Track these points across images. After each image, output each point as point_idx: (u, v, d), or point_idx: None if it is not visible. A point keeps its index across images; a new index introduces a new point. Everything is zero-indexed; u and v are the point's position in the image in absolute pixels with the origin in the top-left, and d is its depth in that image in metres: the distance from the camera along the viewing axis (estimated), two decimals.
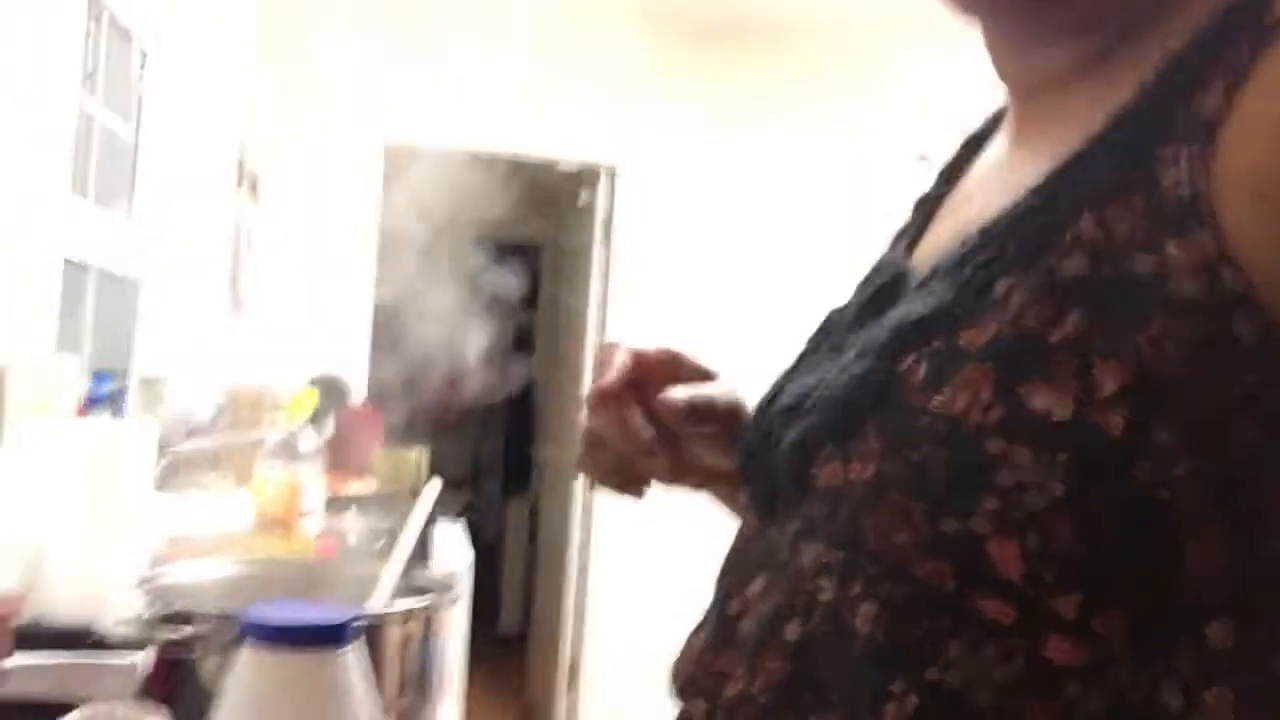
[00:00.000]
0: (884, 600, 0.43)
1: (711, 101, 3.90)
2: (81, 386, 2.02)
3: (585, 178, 4.11)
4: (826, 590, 0.45)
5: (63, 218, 1.99)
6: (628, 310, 3.87)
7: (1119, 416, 0.38)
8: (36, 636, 1.09)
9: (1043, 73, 0.53)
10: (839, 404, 0.48)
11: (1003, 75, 0.56)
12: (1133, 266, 0.40)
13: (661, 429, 0.64)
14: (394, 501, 2.64)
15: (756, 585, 0.51)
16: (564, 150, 3.94)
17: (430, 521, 2.01)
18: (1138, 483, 0.38)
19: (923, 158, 3.11)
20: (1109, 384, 0.39)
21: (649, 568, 3.66)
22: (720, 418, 0.64)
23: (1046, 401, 0.39)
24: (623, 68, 3.85)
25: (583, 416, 0.65)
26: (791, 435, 0.51)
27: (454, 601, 0.94)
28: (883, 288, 0.54)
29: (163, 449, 1.92)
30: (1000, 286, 0.44)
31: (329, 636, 0.52)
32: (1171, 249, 0.39)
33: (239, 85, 3.26)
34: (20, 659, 0.99)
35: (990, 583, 0.40)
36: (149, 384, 2.43)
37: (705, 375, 0.69)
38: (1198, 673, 0.39)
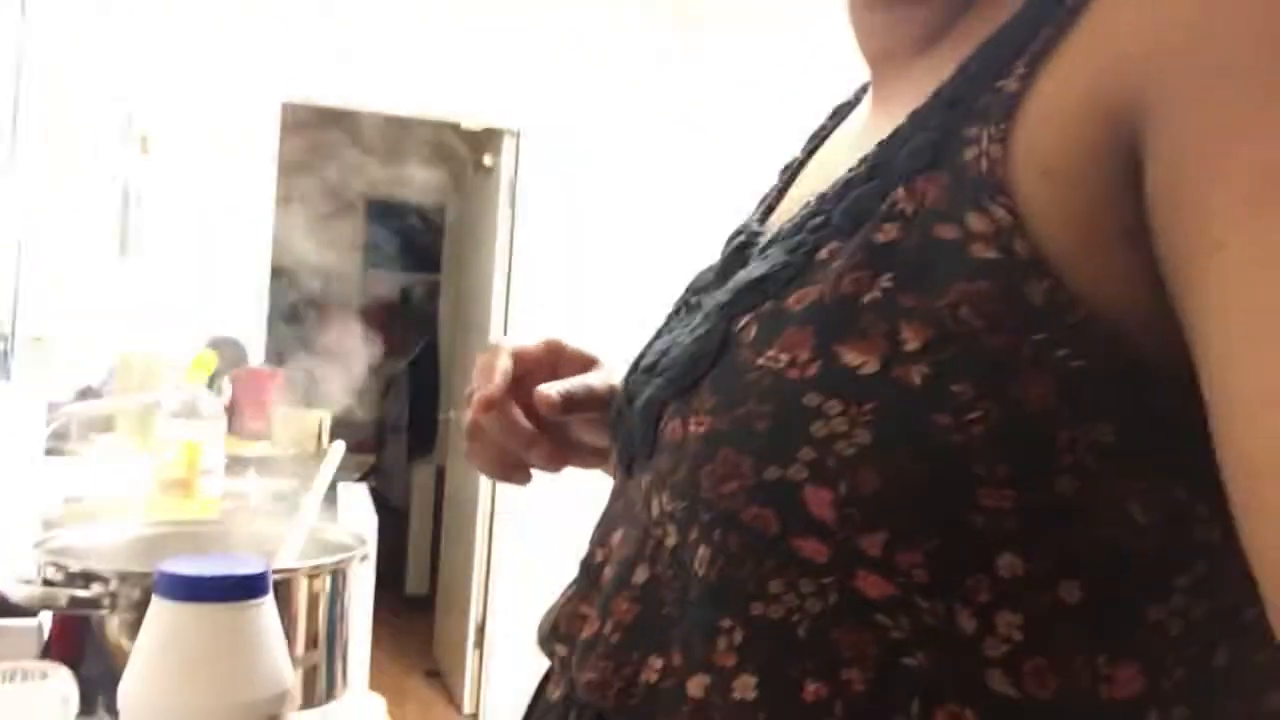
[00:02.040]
0: (716, 545, 0.47)
1: (613, 61, 3.89)
2: None
3: (489, 140, 4.06)
4: (671, 536, 0.49)
5: None
6: (533, 274, 3.86)
7: (920, 371, 0.42)
8: None
9: (888, 43, 0.57)
10: (681, 363, 0.52)
11: (859, 45, 0.60)
12: (937, 234, 0.44)
13: (541, 421, 0.67)
14: (296, 464, 2.60)
15: (617, 536, 0.55)
16: (467, 111, 3.89)
17: (334, 484, 1.99)
18: (935, 430, 0.42)
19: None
20: (912, 341, 0.43)
21: (554, 530, 3.68)
22: (600, 403, 0.66)
23: (857, 358, 0.43)
24: (525, 27, 3.81)
25: (466, 415, 0.67)
26: (646, 394, 0.55)
27: (362, 559, 0.94)
28: (735, 251, 0.58)
29: (52, 411, 1.87)
30: (824, 251, 0.48)
31: (244, 588, 0.53)
32: (971, 220, 0.43)
33: (128, 37, 3.13)
34: None
35: (806, 525, 0.44)
36: (36, 344, 2.35)
37: (588, 363, 0.72)
38: (989, 600, 0.43)
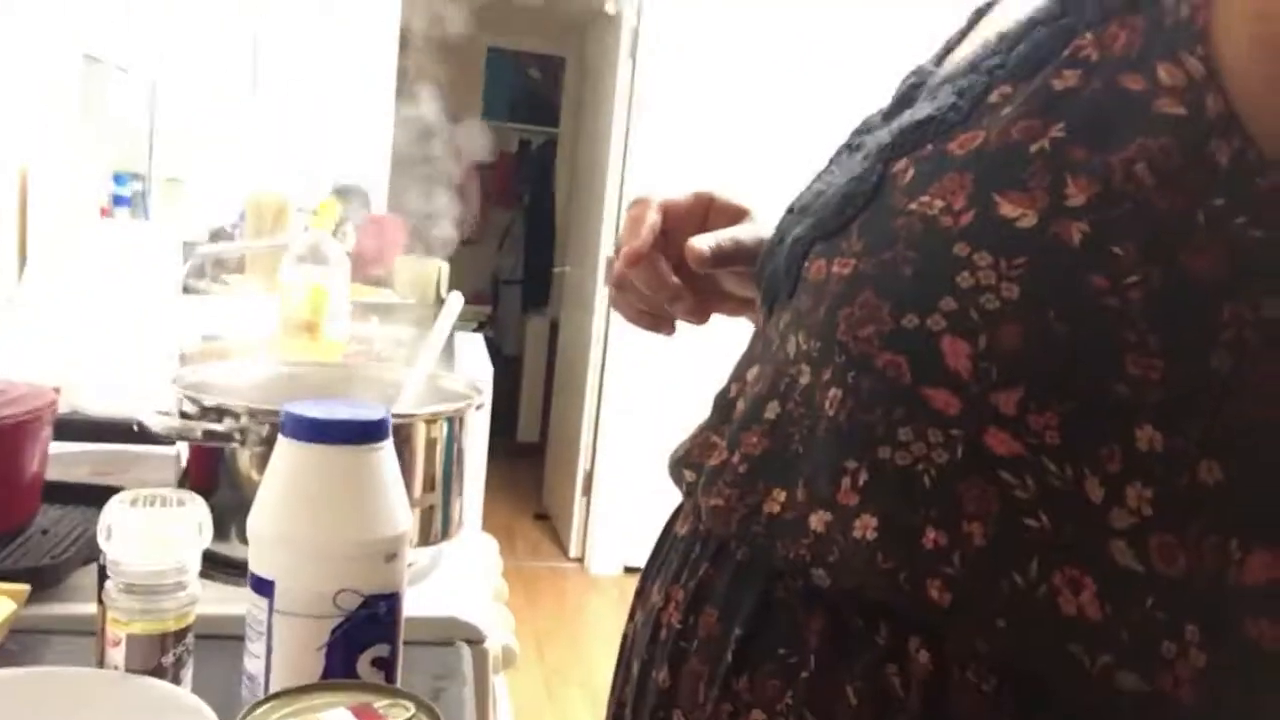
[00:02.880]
0: (848, 387, 0.46)
1: None
2: (104, 189, 2.02)
3: None
4: (804, 375, 0.49)
5: (80, 14, 1.94)
6: (654, 125, 3.79)
7: (1080, 228, 0.40)
8: (75, 427, 1.14)
9: None
10: (833, 203, 0.51)
11: None
12: (1121, 84, 0.41)
13: (688, 274, 0.66)
14: (416, 311, 2.67)
15: (752, 372, 0.56)
16: None
17: (452, 333, 2.03)
18: (1089, 291, 0.40)
19: None
20: (1076, 197, 0.41)
21: (664, 381, 3.72)
22: (749, 255, 0.65)
23: (1014, 209, 0.42)
24: None
25: (615, 266, 0.66)
26: (795, 233, 0.54)
27: (477, 407, 0.97)
28: (906, 90, 0.55)
29: (187, 251, 1.94)
30: (995, 94, 0.45)
31: (366, 432, 0.55)
32: (1161, 70, 0.40)
33: None
34: (63, 447, 1.03)
35: (940, 376, 0.43)
36: (171, 186, 2.43)
37: (738, 214, 0.70)
38: (1120, 470, 0.42)
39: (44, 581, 0.78)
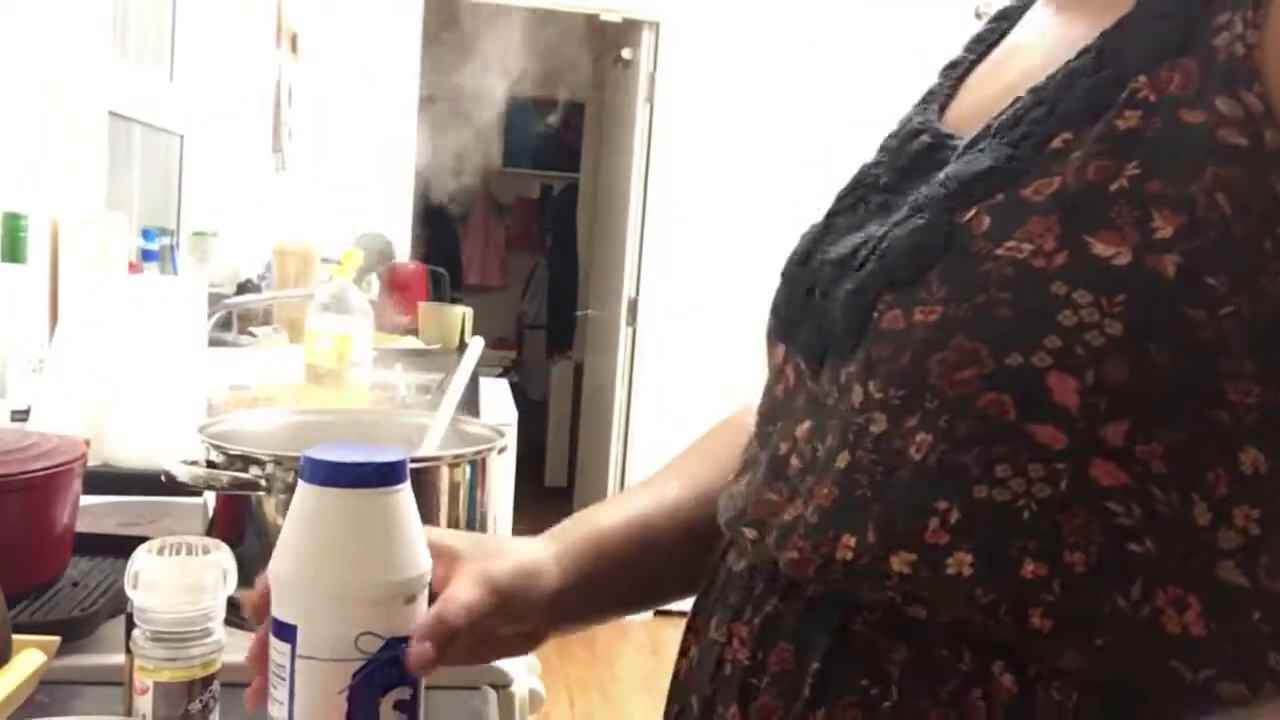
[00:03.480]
0: (941, 430, 0.47)
1: None
2: (132, 243, 2.06)
3: (628, 33, 4.00)
4: (878, 424, 0.49)
5: (106, 72, 1.99)
6: (671, 169, 3.82)
7: (1173, 261, 0.42)
8: (105, 479, 1.15)
9: None
10: (900, 254, 0.51)
11: None
12: (1183, 119, 0.44)
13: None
14: (439, 357, 2.69)
15: (804, 427, 0.55)
16: (606, 2, 3.83)
17: (476, 378, 2.05)
18: (1188, 323, 0.42)
19: (979, 15, 2.99)
20: (1164, 229, 0.43)
21: (689, 424, 3.72)
22: (503, 597, 0.60)
23: (1108, 248, 0.43)
24: None
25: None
26: (848, 286, 0.54)
27: (501, 450, 0.97)
28: (925, 149, 0.57)
29: (214, 303, 1.97)
30: (1057, 142, 0.47)
31: (383, 475, 0.55)
32: (1220, 104, 0.43)
33: None
34: (93, 499, 1.04)
35: (1047, 412, 0.44)
36: (198, 239, 2.47)
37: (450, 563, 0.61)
38: (1229, 494, 0.44)
39: (74, 633, 0.78)
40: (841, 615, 0.50)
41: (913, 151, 0.58)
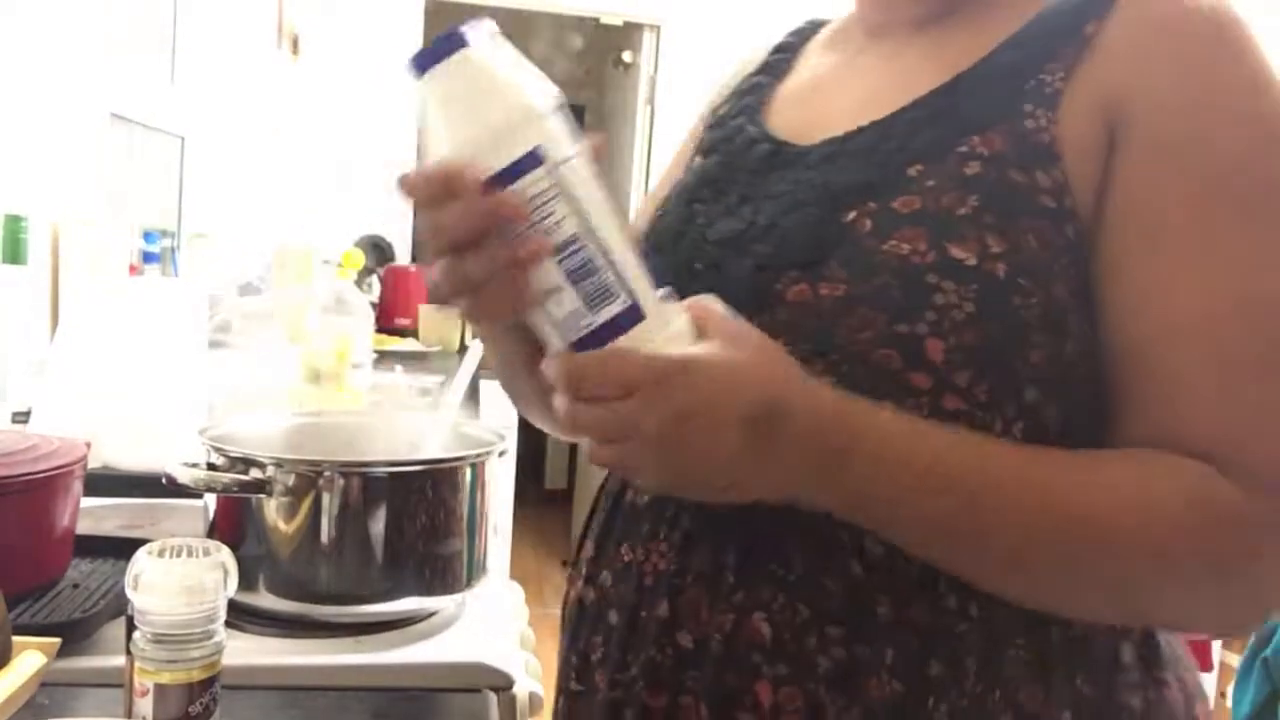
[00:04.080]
0: (842, 374, 0.62)
1: None
2: (133, 245, 2.06)
3: (629, 35, 4.01)
4: None
5: (106, 73, 1.99)
6: None
7: (1002, 267, 0.61)
8: (106, 481, 1.15)
9: (890, 19, 0.74)
10: (799, 240, 0.66)
11: (862, 15, 0.78)
12: (1011, 176, 0.62)
13: None
14: (440, 360, 2.69)
15: None
16: (607, 5, 3.84)
17: (477, 382, 2.04)
18: (1011, 307, 0.60)
19: None
20: (995, 247, 0.61)
21: None
22: None
23: (962, 253, 0.61)
24: None
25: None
26: (748, 263, 0.68)
27: (501, 454, 0.97)
28: (767, 154, 0.73)
29: (215, 305, 1.97)
30: (912, 170, 0.64)
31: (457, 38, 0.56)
32: (1038, 174, 0.62)
33: None
34: (94, 501, 1.05)
35: (920, 364, 0.61)
36: (199, 241, 2.47)
37: None
38: (1014, 415, 0.62)
39: (75, 635, 0.78)
40: (747, 520, 0.64)
41: (757, 156, 0.74)
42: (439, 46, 0.56)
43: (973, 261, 0.60)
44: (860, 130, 0.68)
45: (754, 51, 0.89)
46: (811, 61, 0.82)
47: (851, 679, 0.62)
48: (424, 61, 0.57)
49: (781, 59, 0.85)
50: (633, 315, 0.56)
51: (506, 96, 0.56)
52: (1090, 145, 0.62)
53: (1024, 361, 0.61)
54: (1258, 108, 0.61)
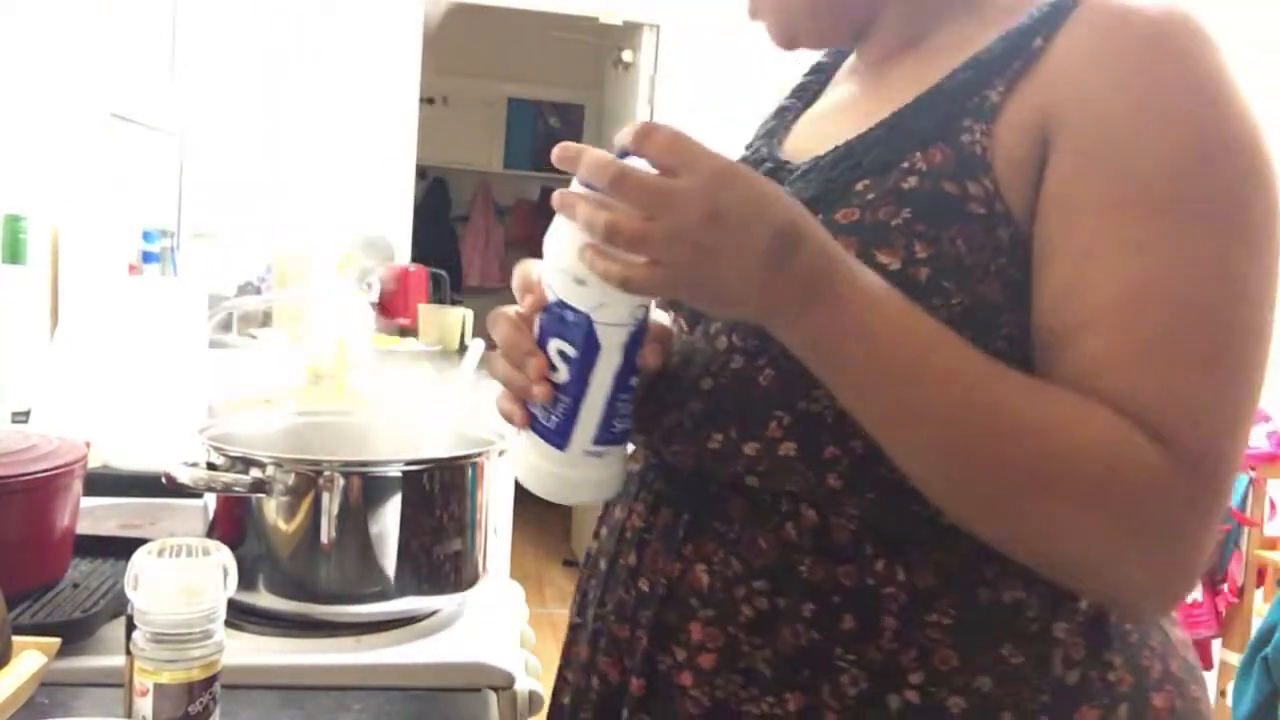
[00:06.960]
0: (782, 367, 0.68)
1: None
2: (132, 244, 2.06)
3: (629, 35, 4.01)
4: (736, 361, 0.71)
5: (106, 73, 1.99)
6: None
7: (925, 271, 0.65)
8: (106, 481, 1.15)
9: (865, 57, 0.81)
10: None
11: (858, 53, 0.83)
12: (943, 188, 0.66)
13: None
14: (439, 359, 2.69)
15: (672, 362, 0.75)
16: (606, 5, 3.84)
17: (476, 381, 2.04)
18: (931, 308, 0.64)
19: None
20: (921, 253, 0.65)
21: None
22: None
23: (886, 259, 0.66)
24: None
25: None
26: None
27: (501, 453, 0.97)
28: (768, 173, 0.77)
29: (214, 305, 1.97)
30: (859, 185, 0.69)
31: None
32: (969, 185, 0.65)
33: None
34: (94, 501, 1.05)
35: None
36: (198, 241, 2.47)
37: None
38: None
39: (75, 635, 0.78)
40: (703, 486, 0.72)
41: (763, 172, 0.77)
42: None
43: (896, 266, 0.65)
44: (834, 150, 0.73)
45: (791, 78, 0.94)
46: (837, 87, 0.86)
47: (769, 626, 0.69)
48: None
49: (814, 81, 0.90)
50: None
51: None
52: (1024, 154, 0.65)
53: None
54: (1194, 110, 0.62)
